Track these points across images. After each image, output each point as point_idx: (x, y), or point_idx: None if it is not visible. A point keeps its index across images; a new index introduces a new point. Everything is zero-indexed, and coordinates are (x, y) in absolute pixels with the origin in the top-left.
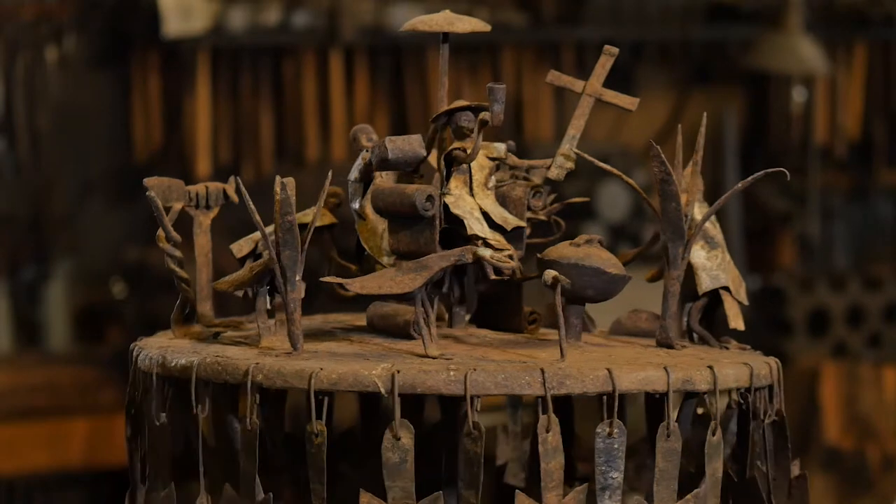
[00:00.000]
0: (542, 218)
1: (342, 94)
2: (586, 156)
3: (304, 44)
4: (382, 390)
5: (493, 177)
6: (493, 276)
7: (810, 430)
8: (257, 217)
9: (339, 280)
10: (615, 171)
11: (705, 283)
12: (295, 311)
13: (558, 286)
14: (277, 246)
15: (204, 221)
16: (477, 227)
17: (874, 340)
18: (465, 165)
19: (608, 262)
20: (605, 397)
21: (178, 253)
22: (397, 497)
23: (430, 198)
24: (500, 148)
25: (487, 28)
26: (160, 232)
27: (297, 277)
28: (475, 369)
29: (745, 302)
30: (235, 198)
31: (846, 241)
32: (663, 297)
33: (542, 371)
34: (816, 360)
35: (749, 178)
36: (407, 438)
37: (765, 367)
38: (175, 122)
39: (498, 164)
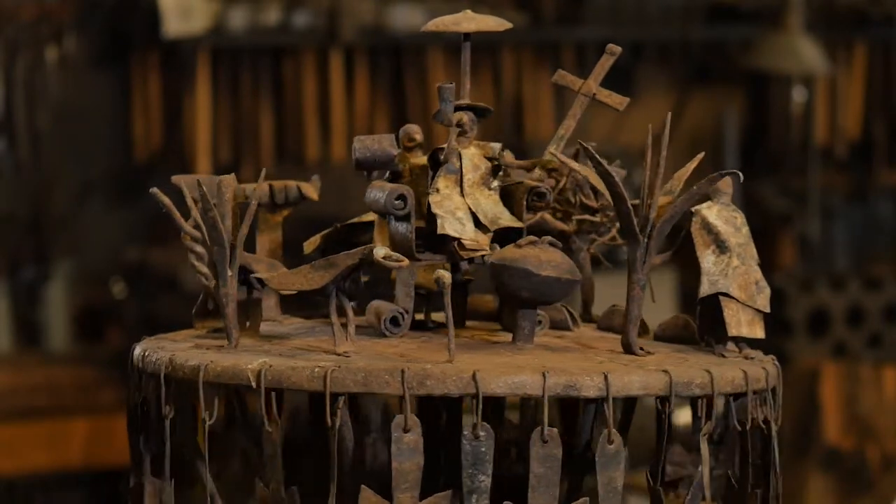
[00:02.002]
0: (598, 220)
1: (342, 94)
2: (560, 156)
3: (304, 44)
4: (253, 384)
5: (492, 177)
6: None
7: (810, 430)
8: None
9: (261, 275)
10: (584, 170)
11: (703, 289)
12: (227, 305)
13: (443, 285)
14: (210, 243)
15: (271, 219)
16: (454, 226)
17: (874, 340)
18: (455, 164)
19: (546, 264)
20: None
21: (199, 248)
22: (274, 488)
23: (401, 197)
24: (495, 147)
25: (506, 26)
26: (189, 230)
27: (229, 273)
28: (338, 367)
29: (765, 309)
30: (314, 196)
31: (846, 241)
32: (626, 302)
33: (402, 371)
34: (816, 361)
35: (704, 181)
36: (277, 432)
37: (704, 375)
38: (175, 122)
39: (497, 163)
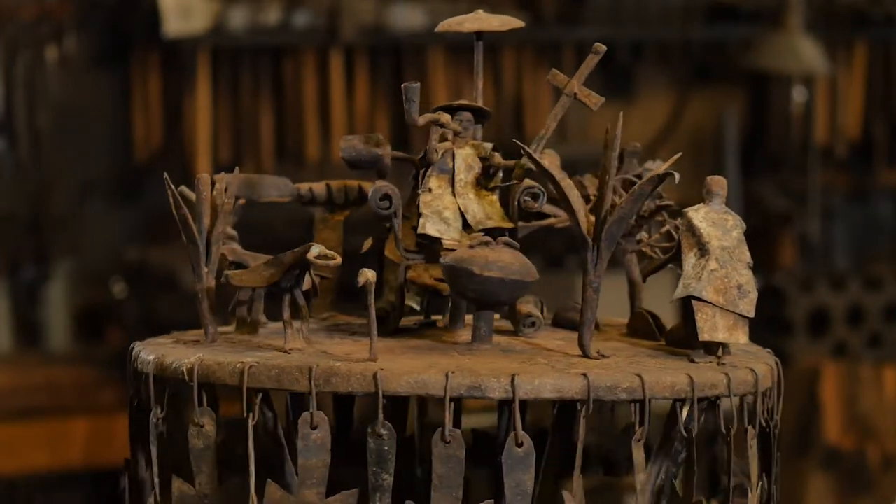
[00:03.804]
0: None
1: (342, 94)
2: (527, 153)
3: (305, 43)
4: (187, 378)
5: (487, 176)
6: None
7: (810, 429)
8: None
9: (227, 272)
10: (546, 170)
11: (676, 292)
12: (202, 301)
13: (365, 285)
14: (186, 241)
15: (331, 218)
16: (437, 226)
17: (874, 340)
18: (448, 164)
19: (492, 264)
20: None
21: (236, 246)
22: (203, 482)
23: (385, 196)
24: (487, 147)
25: (518, 24)
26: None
27: (204, 270)
28: (256, 363)
29: (748, 314)
30: None
31: (846, 241)
32: (581, 304)
33: (310, 369)
34: (816, 360)
35: (644, 181)
36: (210, 426)
37: (633, 380)
38: (175, 122)
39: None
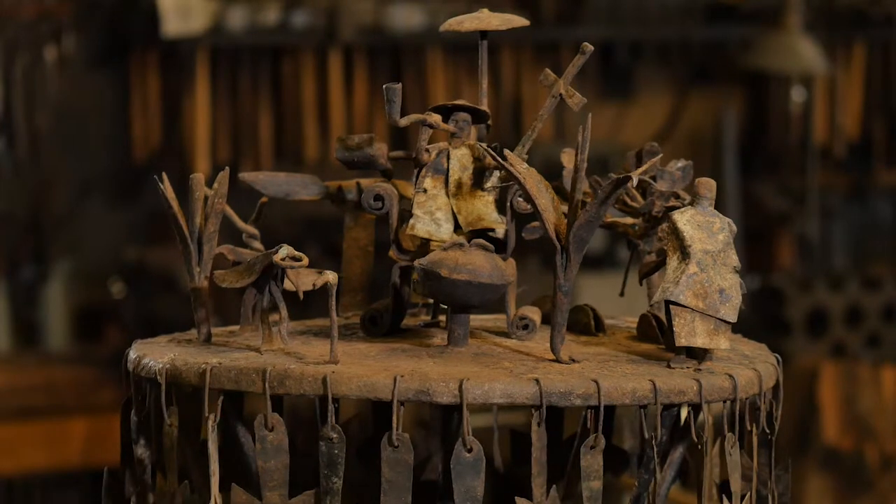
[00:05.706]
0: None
1: (341, 94)
2: (491, 155)
3: (303, 43)
4: (158, 378)
5: (484, 177)
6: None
7: (809, 429)
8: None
9: (215, 272)
10: (512, 173)
11: (655, 296)
12: (195, 300)
13: (327, 288)
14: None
15: (363, 217)
16: (427, 227)
17: (873, 340)
18: (443, 165)
19: (462, 267)
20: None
21: (257, 244)
22: (171, 479)
23: (378, 197)
24: (479, 148)
25: (522, 23)
26: (244, 227)
27: (196, 269)
28: (218, 365)
29: (730, 319)
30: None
31: (845, 241)
32: (551, 308)
33: (265, 371)
34: (815, 360)
35: (607, 184)
36: (175, 424)
37: (589, 385)
38: (174, 122)
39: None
